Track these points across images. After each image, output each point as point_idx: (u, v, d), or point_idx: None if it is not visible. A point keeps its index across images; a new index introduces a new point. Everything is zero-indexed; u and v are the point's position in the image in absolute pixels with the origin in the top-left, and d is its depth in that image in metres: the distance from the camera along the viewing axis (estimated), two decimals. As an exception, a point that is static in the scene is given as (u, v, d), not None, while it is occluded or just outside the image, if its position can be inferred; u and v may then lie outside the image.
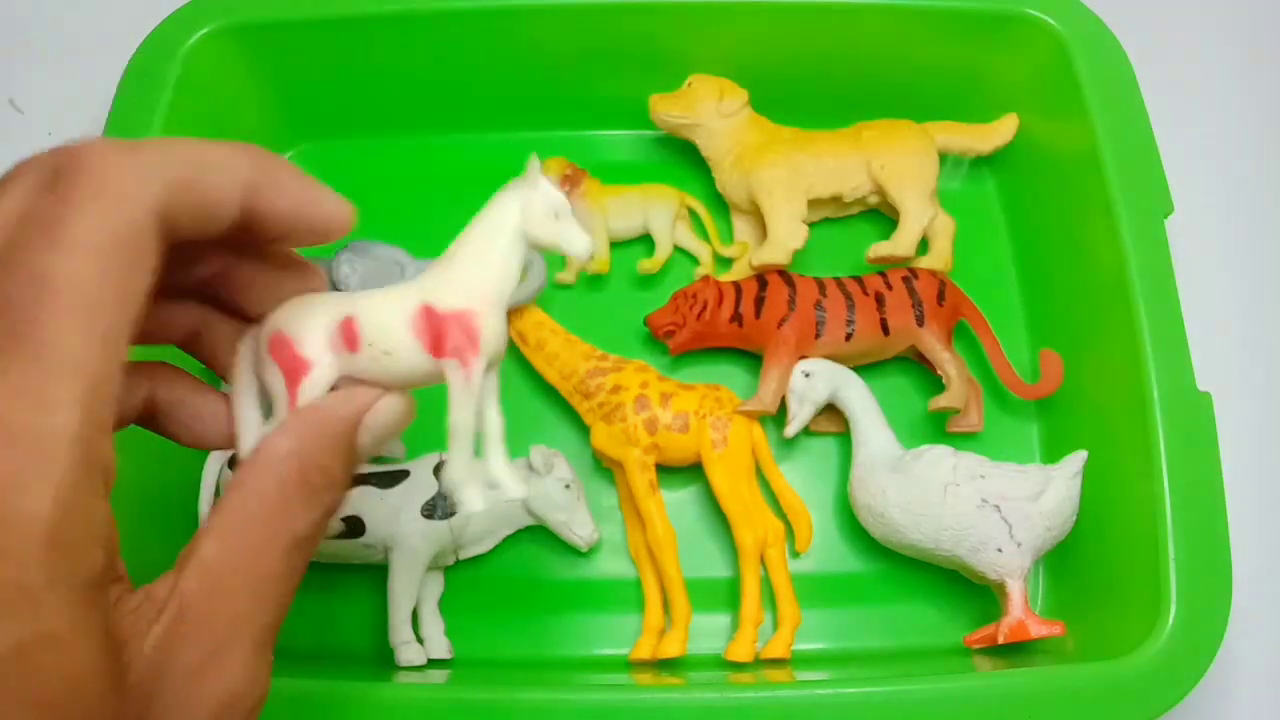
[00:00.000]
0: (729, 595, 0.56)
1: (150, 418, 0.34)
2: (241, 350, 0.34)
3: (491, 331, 0.33)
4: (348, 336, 0.33)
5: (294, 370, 0.33)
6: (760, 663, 0.54)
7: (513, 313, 0.59)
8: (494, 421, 0.35)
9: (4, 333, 0.25)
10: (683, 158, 0.65)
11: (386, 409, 0.33)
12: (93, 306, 0.26)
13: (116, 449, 0.28)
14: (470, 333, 0.33)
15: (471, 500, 0.34)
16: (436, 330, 0.33)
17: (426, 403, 0.60)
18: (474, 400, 0.33)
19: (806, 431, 0.58)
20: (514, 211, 0.34)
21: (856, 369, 0.57)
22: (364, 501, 0.53)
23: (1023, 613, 0.51)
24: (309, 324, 0.33)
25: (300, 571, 0.31)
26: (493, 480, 0.34)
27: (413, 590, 0.53)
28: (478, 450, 0.34)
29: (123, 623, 0.28)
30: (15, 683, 0.24)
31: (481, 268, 0.33)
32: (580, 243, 0.34)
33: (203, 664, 0.29)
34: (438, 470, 0.54)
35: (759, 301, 0.58)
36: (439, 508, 0.54)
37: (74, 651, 0.25)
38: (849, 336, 0.57)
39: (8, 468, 0.24)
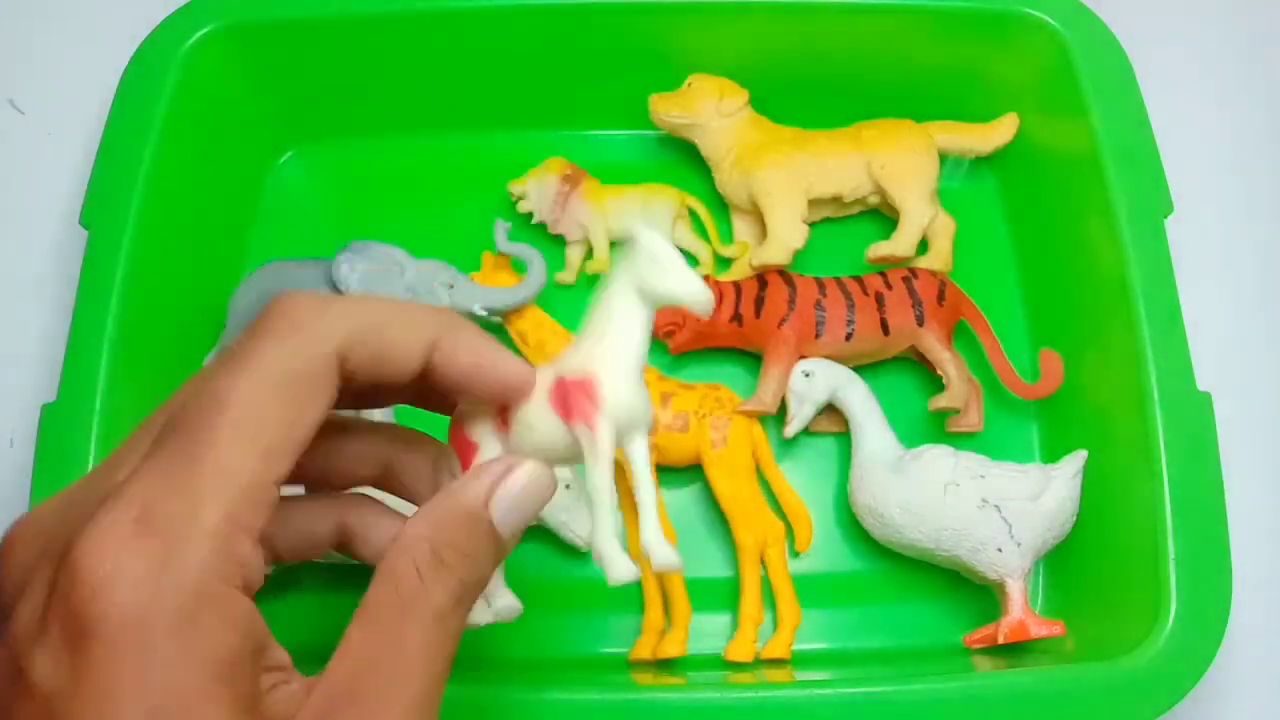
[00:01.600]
0: (729, 595, 0.56)
1: (344, 543, 0.37)
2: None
3: (615, 393, 0.33)
4: (502, 417, 0.35)
5: (465, 453, 0.36)
6: (760, 663, 0.54)
7: (513, 313, 0.59)
8: (646, 491, 0.34)
9: (178, 439, 0.29)
10: (683, 158, 0.65)
11: (520, 479, 0.34)
12: (258, 424, 0.29)
13: None
14: (591, 395, 0.33)
15: (620, 570, 0.33)
16: (564, 397, 0.34)
17: (415, 411, 0.60)
18: (606, 465, 0.33)
19: (806, 431, 0.58)
20: (624, 277, 0.34)
21: (856, 369, 0.57)
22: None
23: (1023, 613, 0.51)
24: (474, 408, 0.36)
25: (447, 647, 0.31)
26: (648, 550, 0.34)
27: (413, 590, 0.53)
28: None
29: (275, 708, 0.30)
30: None
31: (603, 335, 0.34)
32: (695, 287, 0.33)
33: None
34: (438, 470, 0.55)
35: (759, 301, 0.58)
36: (439, 508, 0.54)
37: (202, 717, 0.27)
38: (849, 336, 0.57)
39: (152, 546, 0.27)
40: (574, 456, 0.34)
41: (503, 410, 0.35)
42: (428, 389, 0.34)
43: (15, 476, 0.58)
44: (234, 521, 0.28)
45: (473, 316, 0.58)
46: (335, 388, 0.31)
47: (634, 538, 0.57)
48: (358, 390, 0.32)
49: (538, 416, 0.34)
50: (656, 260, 0.34)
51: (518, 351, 0.60)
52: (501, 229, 0.60)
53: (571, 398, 0.34)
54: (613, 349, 0.34)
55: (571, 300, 0.62)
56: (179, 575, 0.27)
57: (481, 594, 0.34)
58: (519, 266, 0.60)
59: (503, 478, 0.33)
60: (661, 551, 0.34)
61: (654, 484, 0.35)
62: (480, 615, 0.38)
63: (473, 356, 0.33)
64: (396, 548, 0.32)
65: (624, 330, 0.34)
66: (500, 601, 0.39)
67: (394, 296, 0.57)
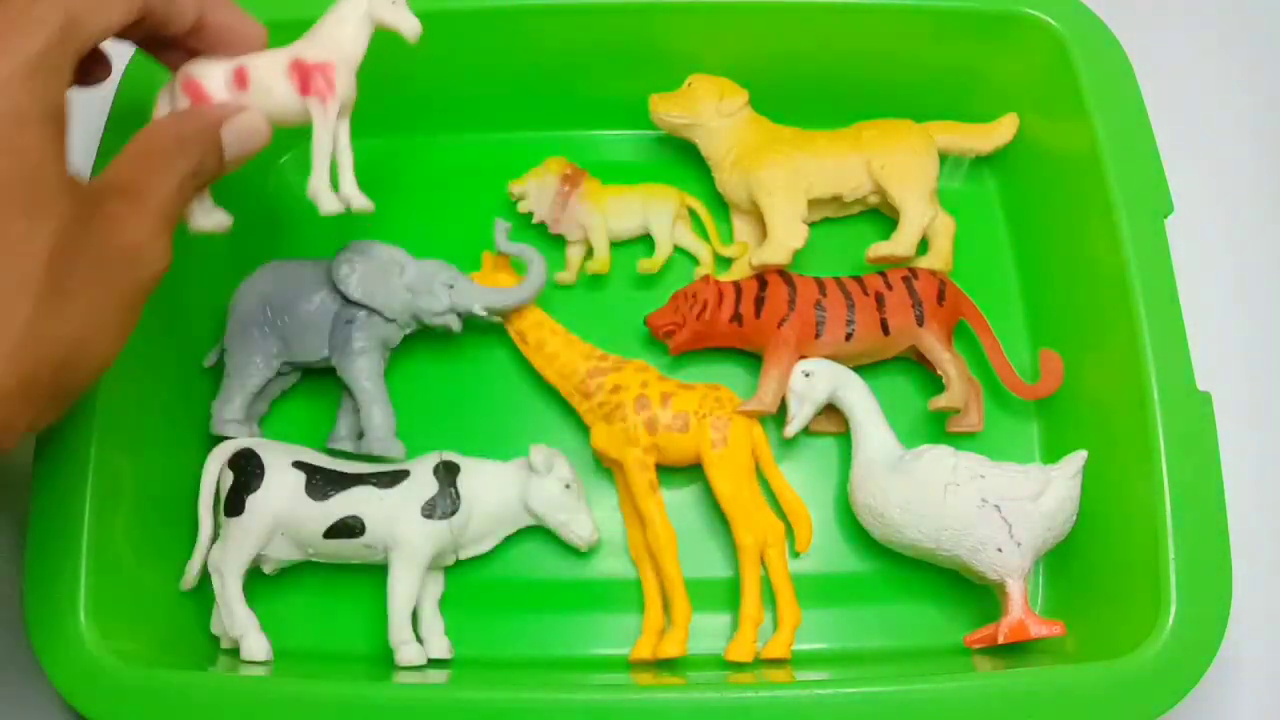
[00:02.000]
0: (729, 595, 0.56)
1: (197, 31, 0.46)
2: (160, 97, 0.47)
3: (344, 82, 0.47)
4: (239, 79, 0.46)
5: (197, 96, 0.46)
6: (760, 663, 0.54)
7: (513, 313, 0.59)
8: (346, 154, 0.49)
9: None
10: (683, 158, 0.65)
11: (253, 118, 0.46)
12: None
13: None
14: (329, 78, 0.47)
15: (328, 204, 0.49)
16: (304, 75, 0.47)
17: (421, 408, 0.60)
18: (329, 131, 0.48)
19: (806, 431, 0.58)
20: (359, 1, 0.48)
21: (856, 369, 0.57)
22: (364, 501, 0.54)
23: (1023, 613, 0.51)
24: (212, 71, 0.47)
25: (180, 200, 0.43)
26: (344, 197, 0.49)
27: (413, 590, 0.53)
28: (335, 183, 0.49)
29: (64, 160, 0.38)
30: None
31: (339, 38, 0.48)
32: (410, 22, 0.49)
33: (120, 214, 0.40)
34: (437, 471, 0.55)
35: (759, 301, 0.58)
36: (439, 508, 0.54)
37: (35, 129, 0.36)
38: (849, 336, 0.57)
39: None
40: (295, 120, 0.47)
41: (240, 74, 0.46)
42: (164, 40, 0.45)
43: (14, 477, 0.58)
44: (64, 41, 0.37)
45: (473, 316, 0.58)
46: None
47: (635, 541, 0.57)
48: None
49: (275, 83, 0.47)
50: (397, 1, 0.48)
51: (517, 351, 0.60)
52: (501, 229, 0.60)
53: (310, 77, 0.47)
54: (345, 48, 0.48)
55: (572, 300, 0.62)
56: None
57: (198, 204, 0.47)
58: (519, 266, 0.60)
59: (238, 113, 0.46)
60: (357, 198, 0.49)
61: (351, 149, 0.49)
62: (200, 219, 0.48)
63: (224, 18, 0.46)
64: (159, 124, 0.45)
65: (355, 37, 0.48)
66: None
67: (395, 296, 0.57)
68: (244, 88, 0.47)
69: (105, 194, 0.40)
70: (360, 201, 0.49)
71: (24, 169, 0.35)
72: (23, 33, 0.35)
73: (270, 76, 0.47)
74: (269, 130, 0.47)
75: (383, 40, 0.61)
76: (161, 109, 0.47)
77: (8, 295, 0.35)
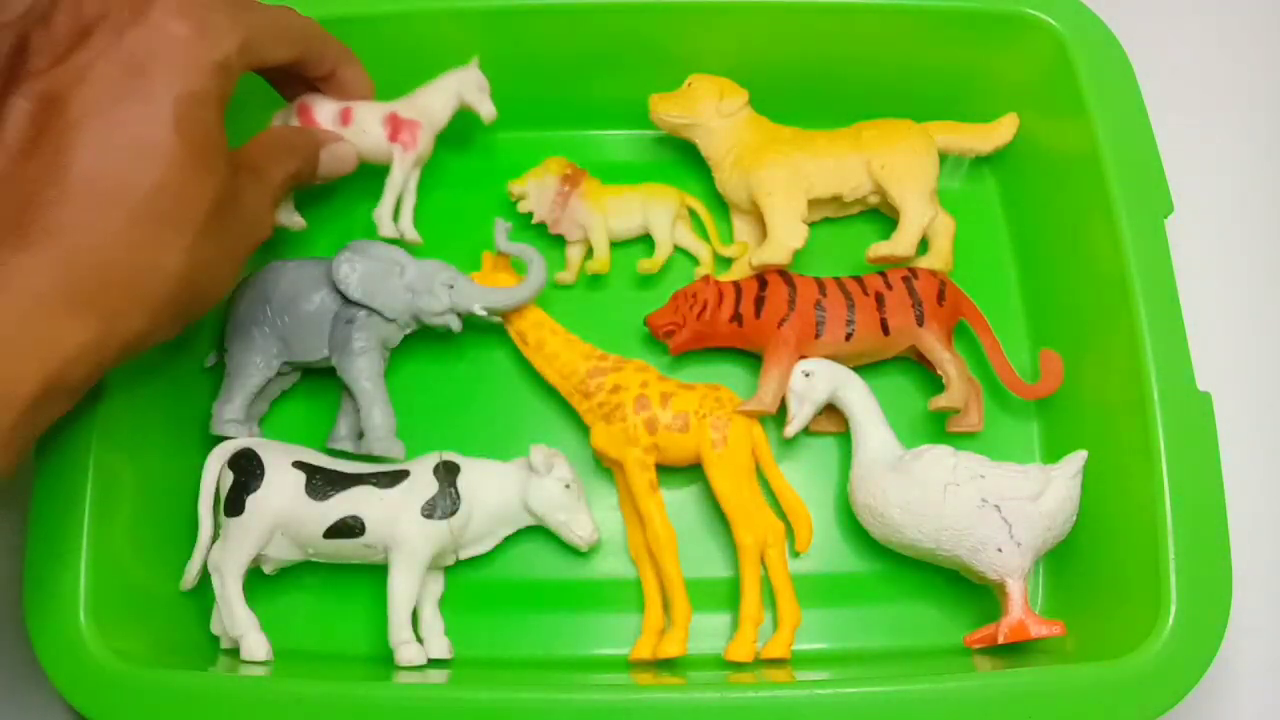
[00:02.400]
0: (729, 595, 0.56)
1: (326, 77, 0.57)
2: (277, 117, 0.58)
3: (424, 140, 0.59)
4: (344, 117, 0.58)
5: (306, 123, 0.57)
6: (760, 663, 0.54)
7: (513, 313, 0.59)
8: (412, 197, 0.60)
9: None
10: (683, 158, 0.65)
11: (345, 148, 0.57)
12: None
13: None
14: (414, 134, 0.58)
15: (386, 229, 0.59)
16: (396, 127, 0.58)
17: (421, 408, 0.60)
18: (404, 175, 0.59)
19: (806, 431, 0.58)
20: (454, 81, 0.60)
21: (856, 369, 0.57)
22: (364, 502, 0.54)
23: (1023, 613, 0.52)
24: (324, 106, 0.58)
25: (276, 192, 0.53)
26: (401, 229, 0.59)
27: (413, 590, 0.53)
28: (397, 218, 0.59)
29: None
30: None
31: (429, 103, 0.59)
32: (488, 108, 0.60)
33: (247, 186, 0.50)
34: (437, 471, 0.55)
35: (759, 301, 0.58)
36: (439, 508, 0.54)
37: (214, 109, 0.46)
38: (849, 336, 0.57)
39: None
40: (379, 159, 0.58)
41: (346, 113, 0.57)
42: (297, 77, 0.57)
43: (14, 477, 0.58)
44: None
45: (473, 316, 0.58)
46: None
47: (635, 541, 0.57)
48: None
49: (372, 127, 0.58)
50: (482, 89, 0.60)
51: (517, 352, 0.60)
52: (501, 229, 0.60)
53: (400, 129, 0.58)
54: (432, 114, 0.59)
55: (572, 300, 0.62)
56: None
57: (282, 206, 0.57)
58: (519, 266, 0.60)
59: (337, 141, 0.57)
60: (410, 231, 0.60)
61: (415, 195, 0.60)
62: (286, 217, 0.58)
63: (350, 73, 0.58)
64: (278, 129, 0.57)
65: (442, 108, 0.59)
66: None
67: (395, 296, 0.57)
68: (346, 124, 0.57)
69: (239, 168, 0.49)
70: (413, 236, 0.60)
71: (205, 137, 0.45)
72: (214, 41, 0.46)
73: (369, 121, 0.58)
74: (356, 162, 0.58)
75: (384, 40, 0.61)
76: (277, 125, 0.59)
77: (181, 228, 0.45)
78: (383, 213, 0.59)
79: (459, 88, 0.59)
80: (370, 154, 0.58)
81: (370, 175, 0.60)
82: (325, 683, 0.49)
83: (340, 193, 0.63)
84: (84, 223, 0.42)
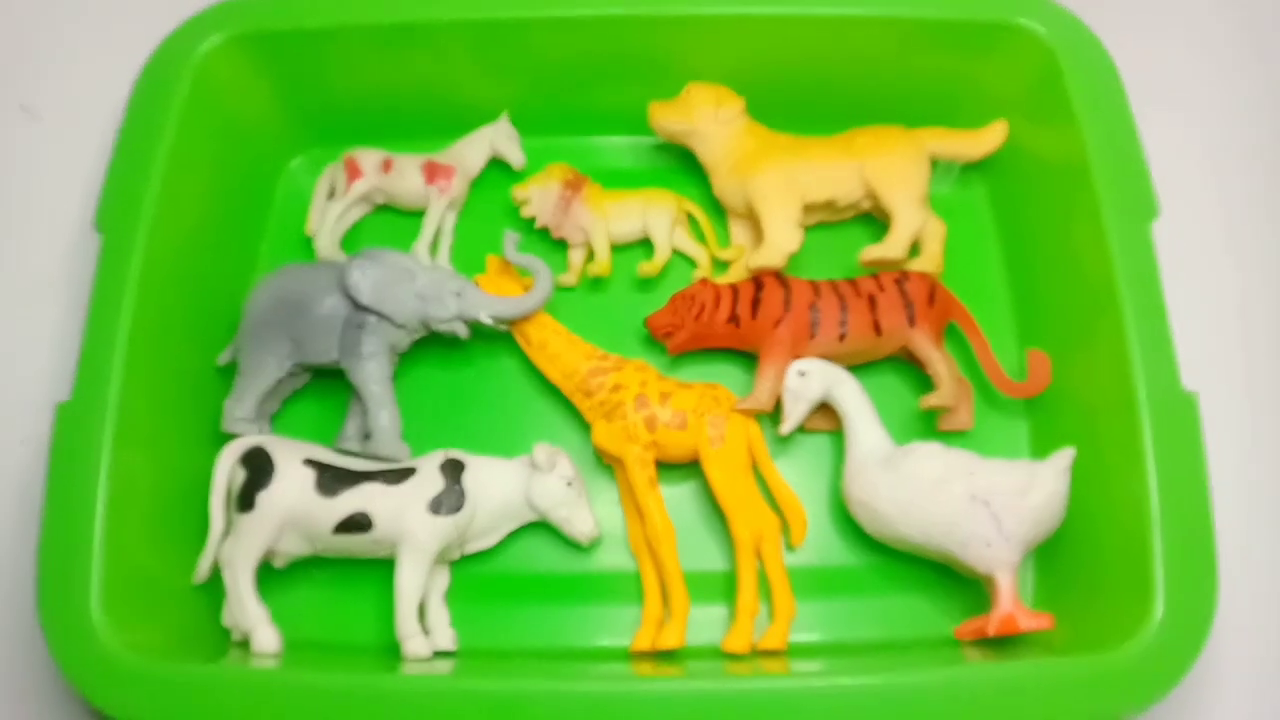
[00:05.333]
0: (726, 588, 0.57)
1: None
2: (327, 171, 0.65)
3: (459, 185, 0.64)
4: (386, 165, 0.64)
5: (352, 174, 0.64)
6: (757, 654, 0.55)
7: (518, 322, 0.60)
8: (448, 237, 0.65)
9: None
10: (681, 164, 0.66)
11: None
12: None
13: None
14: (449, 179, 0.64)
15: (424, 262, 0.61)
16: (433, 172, 0.64)
17: (428, 408, 0.60)
18: (439, 214, 0.64)
19: (801, 429, 0.59)
20: (488, 134, 0.65)
21: (850, 369, 0.58)
22: (372, 498, 0.54)
23: (1012, 605, 0.52)
24: (369, 157, 0.64)
25: None
26: (439, 264, 0.63)
27: (419, 584, 0.54)
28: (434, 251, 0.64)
29: None
30: None
31: (462, 152, 0.65)
32: (517, 156, 0.66)
33: None
34: (444, 468, 0.55)
35: (755, 303, 0.59)
36: (445, 504, 0.55)
37: None
38: (842, 337, 0.58)
39: None
40: (417, 201, 0.64)
41: (388, 162, 0.64)
42: None
43: (25, 477, 0.59)
44: None
45: (479, 324, 0.59)
46: None
47: (635, 535, 0.58)
48: None
49: (410, 172, 0.64)
50: (511, 139, 0.66)
51: (521, 354, 0.61)
52: (511, 240, 0.60)
53: (437, 173, 0.64)
54: (467, 162, 0.65)
55: (573, 302, 0.63)
56: None
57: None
58: (525, 272, 0.61)
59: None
60: (422, 260, 0.63)
61: (453, 233, 0.66)
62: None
63: None
64: None
65: (476, 156, 0.65)
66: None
67: (405, 303, 0.58)
68: (388, 171, 0.64)
69: None
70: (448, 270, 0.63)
71: None
72: None
73: (409, 167, 0.64)
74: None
75: (391, 49, 0.62)
76: (324, 180, 0.65)
77: None
78: (420, 248, 0.63)
79: (491, 138, 0.65)
80: (407, 194, 0.64)
81: (409, 220, 0.65)
82: (334, 674, 0.50)
83: (379, 238, 0.65)
84: None
